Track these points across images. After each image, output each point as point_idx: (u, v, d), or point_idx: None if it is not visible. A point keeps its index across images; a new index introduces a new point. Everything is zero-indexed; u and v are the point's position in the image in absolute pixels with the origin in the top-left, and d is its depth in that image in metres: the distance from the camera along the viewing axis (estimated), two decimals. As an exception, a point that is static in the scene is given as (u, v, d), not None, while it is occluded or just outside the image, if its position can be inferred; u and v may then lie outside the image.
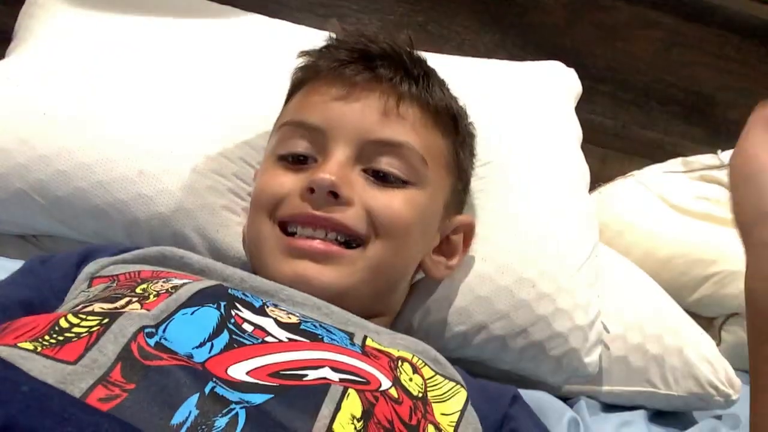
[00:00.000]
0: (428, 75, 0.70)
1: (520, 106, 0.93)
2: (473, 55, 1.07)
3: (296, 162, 0.66)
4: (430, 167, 0.66)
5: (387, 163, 0.64)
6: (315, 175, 0.61)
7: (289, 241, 0.62)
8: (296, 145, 0.66)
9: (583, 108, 1.04)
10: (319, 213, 0.61)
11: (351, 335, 0.53)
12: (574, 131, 0.96)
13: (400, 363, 0.52)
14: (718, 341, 1.09)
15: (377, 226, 0.63)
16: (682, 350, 0.84)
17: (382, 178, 0.64)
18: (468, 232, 0.74)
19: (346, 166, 0.63)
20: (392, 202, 0.64)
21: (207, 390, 0.40)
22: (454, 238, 0.73)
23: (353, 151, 0.64)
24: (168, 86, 0.83)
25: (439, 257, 0.73)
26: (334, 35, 0.72)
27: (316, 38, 0.73)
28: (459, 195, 0.74)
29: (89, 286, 0.56)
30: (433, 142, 0.68)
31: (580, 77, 1.04)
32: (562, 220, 0.83)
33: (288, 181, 0.64)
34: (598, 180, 1.22)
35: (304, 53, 0.71)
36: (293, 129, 0.66)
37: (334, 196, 0.61)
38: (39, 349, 0.41)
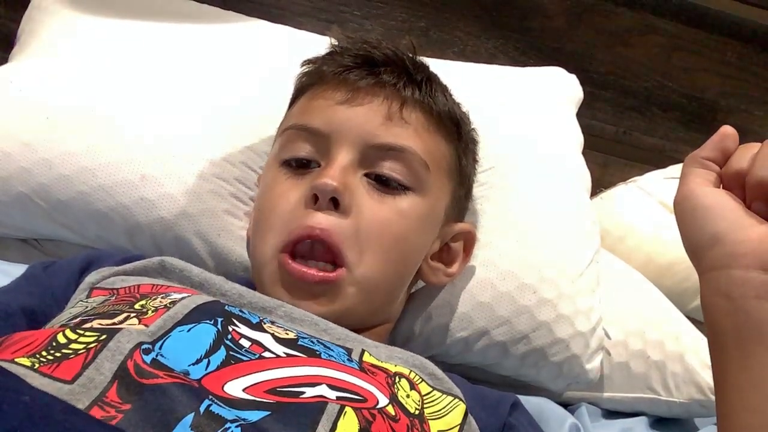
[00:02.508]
0: (431, 80, 0.70)
1: (522, 112, 0.93)
2: (475, 61, 1.07)
3: (300, 166, 0.65)
4: (432, 172, 0.66)
5: (389, 168, 0.64)
6: (318, 179, 0.61)
7: (288, 267, 0.61)
8: (299, 149, 0.66)
9: (584, 114, 1.04)
10: (317, 229, 0.60)
11: (349, 351, 0.52)
12: (575, 137, 0.96)
13: (397, 379, 0.51)
14: (719, 347, 1.08)
15: (364, 241, 0.61)
16: (684, 356, 0.84)
17: (383, 183, 0.64)
18: (468, 240, 0.74)
19: (349, 171, 0.63)
20: (383, 214, 0.63)
21: (202, 409, 0.39)
22: (453, 245, 0.73)
23: (356, 155, 0.64)
24: (170, 90, 0.83)
25: (438, 264, 0.72)
26: (336, 42, 0.72)
27: (318, 43, 0.74)
28: (461, 201, 0.74)
29: (88, 296, 0.56)
30: (436, 147, 0.68)
31: (582, 83, 1.04)
32: (563, 226, 0.83)
33: (293, 194, 0.63)
34: (599, 186, 1.22)
35: (307, 61, 0.71)
36: (296, 133, 0.66)
37: (334, 202, 0.61)
38: (36, 365, 0.40)
